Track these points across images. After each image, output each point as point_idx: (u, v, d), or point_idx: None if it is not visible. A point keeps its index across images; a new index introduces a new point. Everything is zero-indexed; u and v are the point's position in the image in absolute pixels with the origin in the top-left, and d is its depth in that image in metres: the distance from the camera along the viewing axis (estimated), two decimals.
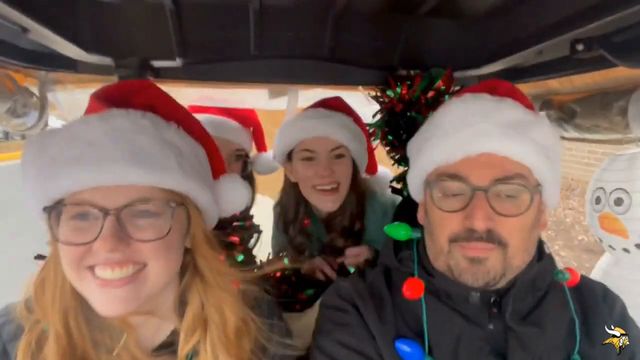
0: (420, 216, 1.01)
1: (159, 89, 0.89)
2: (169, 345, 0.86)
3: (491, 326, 0.89)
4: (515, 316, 0.88)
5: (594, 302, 0.96)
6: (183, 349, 0.83)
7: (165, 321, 0.87)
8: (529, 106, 0.96)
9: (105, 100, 0.83)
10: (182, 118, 0.89)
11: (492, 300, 0.90)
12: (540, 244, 0.98)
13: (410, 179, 1.03)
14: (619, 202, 1.62)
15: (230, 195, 0.98)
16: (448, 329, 0.89)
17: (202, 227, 0.88)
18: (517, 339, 0.87)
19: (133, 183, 0.75)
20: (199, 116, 1.76)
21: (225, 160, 1.73)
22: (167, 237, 0.78)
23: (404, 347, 0.87)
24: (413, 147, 1.02)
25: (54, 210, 0.75)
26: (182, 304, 0.87)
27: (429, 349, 0.88)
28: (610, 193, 1.66)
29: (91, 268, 0.75)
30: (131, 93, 0.85)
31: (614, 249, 1.72)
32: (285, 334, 0.97)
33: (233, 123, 1.78)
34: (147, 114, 0.83)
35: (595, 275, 1.80)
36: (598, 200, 1.72)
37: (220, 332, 0.84)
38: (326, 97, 1.67)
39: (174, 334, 0.87)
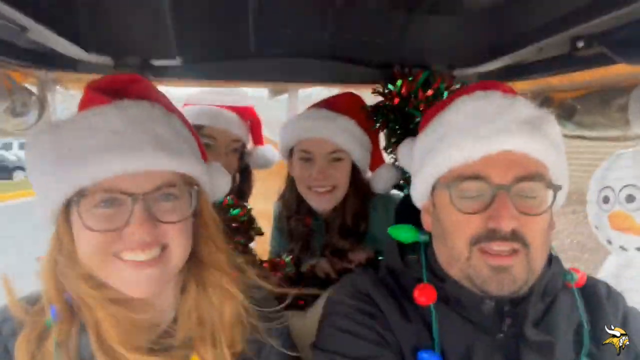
0: (427, 222, 0.97)
1: (147, 82, 0.92)
2: (170, 333, 0.87)
3: (501, 334, 0.87)
4: (528, 324, 0.86)
5: (599, 302, 0.94)
6: (179, 334, 0.85)
7: (167, 307, 0.89)
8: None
9: (104, 92, 0.84)
10: (175, 109, 0.93)
11: (505, 309, 0.88)
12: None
13: (418, 182, 0.97)
14: (630, 198, 1.61)
15: (218, 181, 1.01)
16: (458, 337, 0.87)
17: (210, 210, 0.92)
18: (530, 347, 0.84)
19: (159, 168, 0.79)
20: (195, 107, 1.77)
21: (222, 151, 1.76)
22: (187, 219, 0.84)
23: (424, 355, 0.85)
24: (420, 148, 0.98)
25: (82, 199, 0.76)
26: (182, 290, 0.89)
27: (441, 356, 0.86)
28: (620, 190, 1.64)
29: (116, 254, 0.78)
30: (125, 85, 0.87)
31: (625, 249, 1.69)
32: (283, 332, 0.98)
33: (230, 114, 1.77)
34: (155, 104, 0.86)
35: (603, 277, 1.78)
36: (606, 200, 1.71)
37: (215, 320, 0.87)
38: (332, 96, 1.66)
39: (175, 320, 0.88)
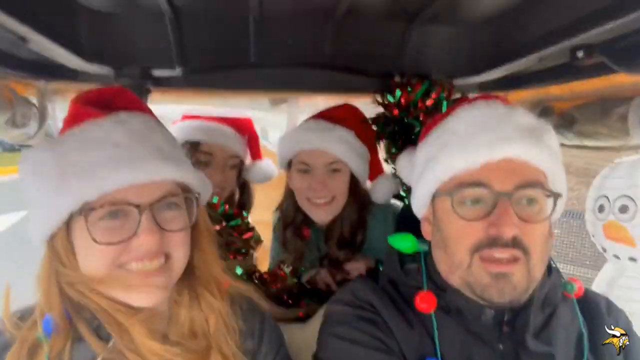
0: (427, 231, 0.98)
1: (132, 93, 0.93)
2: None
3: (501, 346, 0.87)
4: (529, 334, 0.85)
5: (599, 315, 0.95)
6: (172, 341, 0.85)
7: (162, 316, 0.89)
8: None
9: (94, 105, 0.85)
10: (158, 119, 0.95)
11: (505, 319, 0.88)
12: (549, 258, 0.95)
13: (419, 190, 0.97)
14: (624, 209, 1.61)
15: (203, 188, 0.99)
16: (459, 346, 0.87)
17: (205, 220, 0.93)
18: (531, 357, 0.84)
19: (163, 179, 0.80)
20: (192, 122, 1.77)
21: (219, 168, 1.75)
22: (188, 228, 0.86)
23: None
24: (421, 157, 0.98)
25: (87, 213, 0.76)
26: (175, 300, 0.89)
27: None
28: (615, 200, 1.64)
29: (122, 265, 0.79)
30: (114, 98, 0.88)
31: (619, 258, 1.70)
32: (277, 346, 0.97)
33: (227, 129, 1.76)
34: (148, 116, 0.87)
35: (599, 286, 1.77)
36: (601, 209, 1.71)
37: (206, 329, 0.87)
38: (329, 107, 1.66)
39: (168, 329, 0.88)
